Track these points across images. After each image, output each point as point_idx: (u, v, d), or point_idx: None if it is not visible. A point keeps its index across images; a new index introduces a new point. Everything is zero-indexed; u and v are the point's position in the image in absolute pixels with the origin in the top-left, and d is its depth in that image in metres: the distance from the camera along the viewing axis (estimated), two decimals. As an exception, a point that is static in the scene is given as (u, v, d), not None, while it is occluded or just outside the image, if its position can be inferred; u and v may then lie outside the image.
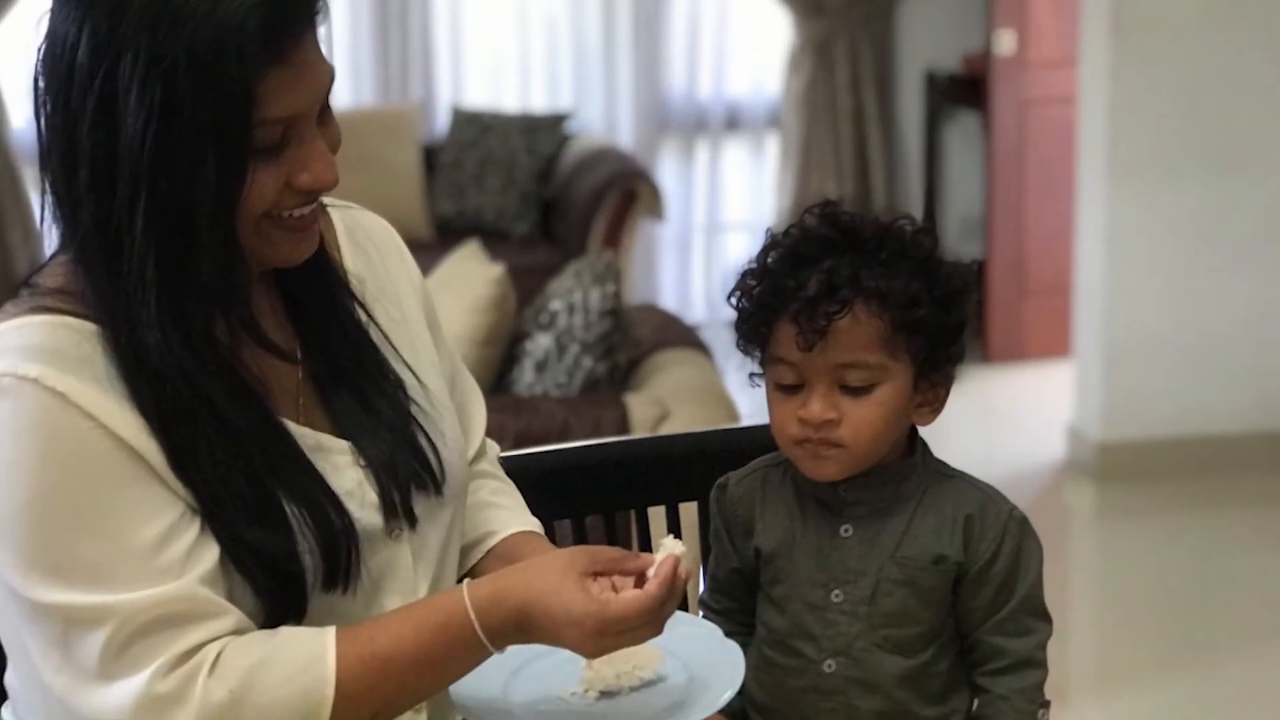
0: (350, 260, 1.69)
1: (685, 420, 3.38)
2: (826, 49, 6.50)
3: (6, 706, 1.58)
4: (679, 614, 1.54)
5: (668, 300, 6.70)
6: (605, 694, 1.59)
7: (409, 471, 1.61)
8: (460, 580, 1.67)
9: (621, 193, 5.95)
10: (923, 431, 1.74)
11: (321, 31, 1.49)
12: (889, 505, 1.70)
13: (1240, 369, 5.11)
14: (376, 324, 1.66)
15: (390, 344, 1.67)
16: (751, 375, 1.73)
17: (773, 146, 6.77)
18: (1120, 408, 5.07)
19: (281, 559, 1.49)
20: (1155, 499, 4.97)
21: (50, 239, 1.51)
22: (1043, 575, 1.71)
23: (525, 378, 3.74)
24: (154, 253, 1.43)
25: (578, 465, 2.06)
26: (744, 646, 1.68)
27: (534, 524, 1.81)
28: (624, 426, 3.37)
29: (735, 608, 1.79)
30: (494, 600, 1.49)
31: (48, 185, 1.48)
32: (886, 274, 1.64)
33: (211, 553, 1.46)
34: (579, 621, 1.46)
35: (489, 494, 1.81)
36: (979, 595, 1.69)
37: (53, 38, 1.44)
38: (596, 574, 1.50)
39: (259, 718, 1.43)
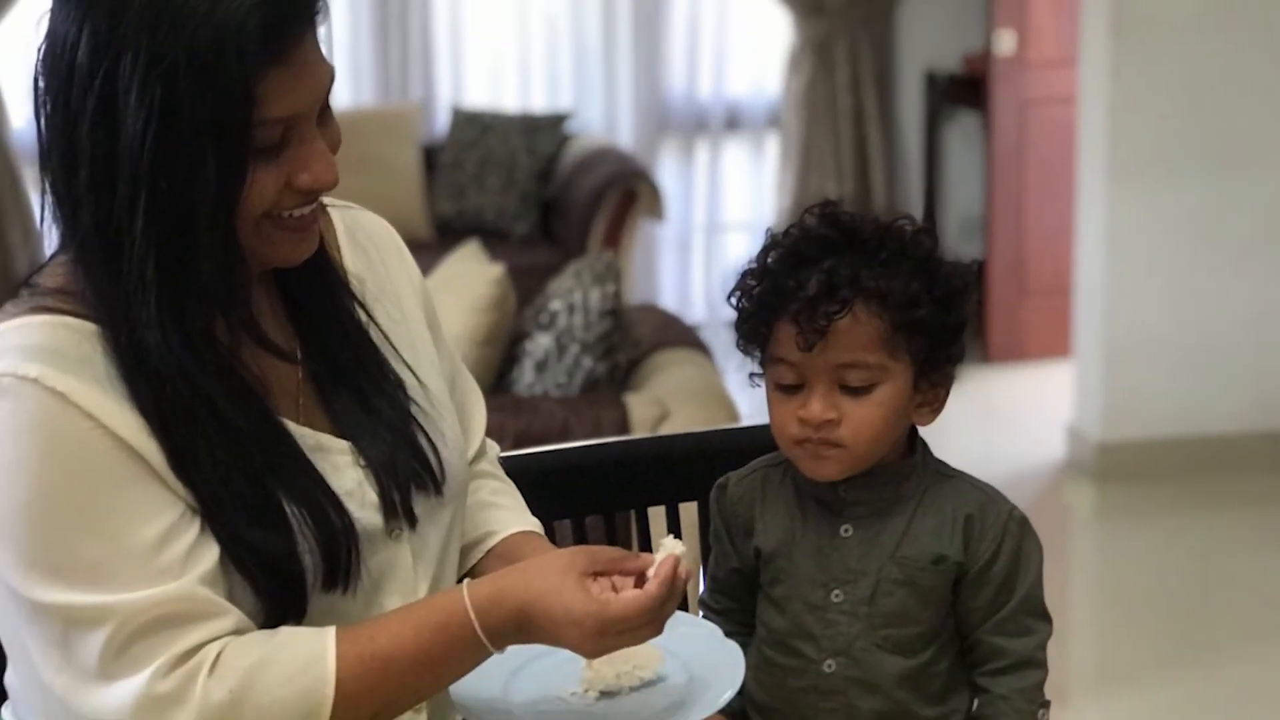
0: (350, 260, 1.69)
1: (685, 420, 3.38)
2: (826, 49, 6.50)
3: (6, 706, 1.58)
4: (679, 614, 1.54)
5: (668, 300, 6.70)
6: (605, 694, 1.59)
7: (409, 471, 1.61)
8: (460, 580, 1.67)
9: (621, 193, 5.95)
10: (923, 431, 1.74)
11: (321, 31, 1.49)
12: (889, 505, 1.70)
13: (1240, 369, 5.10)
14: (376, 324, 1.66)
15: (390, 344, 1.67)
16: (751, 375, 1.73)
17: (773, 146, 6.77)
18: (1120, 408, 5.07)
19: (281, 559, 1.49)
20: (1155, 499, 4.97)
21: (50, 239, 1.51)
22: (1043, 575, 1.71)
23: (525, 378, 3.74)
24: (154, 253, 1.43)
25: (578, 465, 2.06)
26: (744, 646, 1.68)
27: (534, 524, 1.81)
28: (624, 426, 3.37)
29: (735, 608, 1.79)
30: (494, 600, 1.49)
31: (48, 185, 1.48)
32: (886, 274, 1.64)
33: (211, 553, 1.46)
34: (579, 621, 1.46)
35: (489, 494, 1.81)
36: (979, 595, 1.69)
37: (53, 38, 1.44)
38: (596, 574, 1.50)
39: (259, 718, 1.43)
